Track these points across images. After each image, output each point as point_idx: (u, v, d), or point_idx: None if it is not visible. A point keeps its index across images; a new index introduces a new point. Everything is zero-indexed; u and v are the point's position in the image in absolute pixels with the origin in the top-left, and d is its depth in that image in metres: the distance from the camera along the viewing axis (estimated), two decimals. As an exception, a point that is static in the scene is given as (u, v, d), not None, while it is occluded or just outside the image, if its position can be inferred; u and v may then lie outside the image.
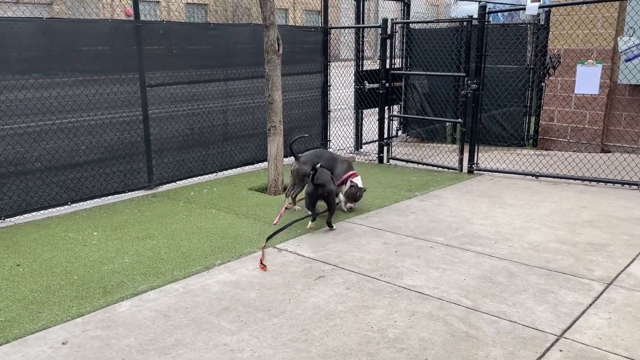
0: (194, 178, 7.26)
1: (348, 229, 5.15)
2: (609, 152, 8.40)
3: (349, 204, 5.72)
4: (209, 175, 7.43)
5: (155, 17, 25.59)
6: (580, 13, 8.26)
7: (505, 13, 17.08)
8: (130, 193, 6.59)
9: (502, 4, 13.91)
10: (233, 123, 7.66)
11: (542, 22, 9.30)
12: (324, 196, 5.10)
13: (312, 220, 5.18)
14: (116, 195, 6.49)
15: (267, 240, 4.81)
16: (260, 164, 7.97)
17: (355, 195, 5.67)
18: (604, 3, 7.86)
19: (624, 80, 7.83)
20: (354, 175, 5.81)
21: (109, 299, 3.78)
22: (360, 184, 5.75)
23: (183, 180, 7.13)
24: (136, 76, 6.48)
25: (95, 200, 6.30)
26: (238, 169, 7.84)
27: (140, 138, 6.61)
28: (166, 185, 6.94)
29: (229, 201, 6.18)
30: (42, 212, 5.88)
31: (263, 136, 7.43)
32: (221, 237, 4.99)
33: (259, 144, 7.91)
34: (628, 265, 4.18)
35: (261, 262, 4.33)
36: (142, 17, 6.54)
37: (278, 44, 6.26)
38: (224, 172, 7.63)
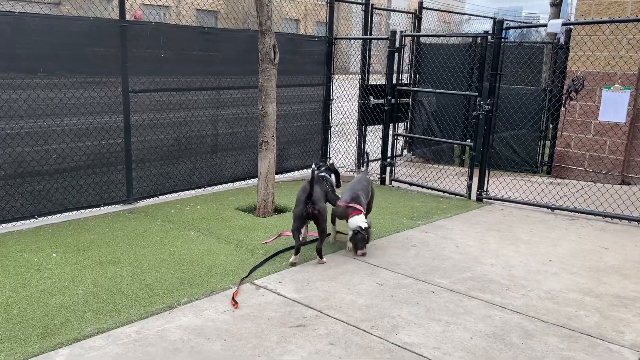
0: (178, 193, 6.67)
1: (339, 264, 4.54)
2: (630, 184, 7.76)
3: (359, 252, 4.73)
4: (196, 190, 6.85)
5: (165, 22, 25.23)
6: (602, 34, 7.67)
7: (517, 32, 16.53)
8: (105, 207, 6.01)
9: (513, 21, 13.38)
10: (224, 134, 7.08)
11: (561, 42, 8.72)
12: (313, 215, 4.44)
13: (296, 254, 4.47)
14: (90, 210, 5.91)
15: (249, 274, 4.20)
16: (252, 179, 7.37)
17: (364, 241, 4.69)
18: (630, 24, 7.29)
19: (650, 108, 7.22)
20: (356, 213, 4.68)
21: (46, 343, 3.17)
22: (364, 223, 4.66)
23: (166, 195, 6.55)
24: (119, 80, 5.93)
25: (66, 214, 5.72)
26: (228, 184, 7.25)
27: (120, 147, 6.05)
28: (147, 200, 6.36)
29: (212, 222, 5.58)
30: (3, 225, 5.30)
31: (257, 150, 6.85)
32: (194, 266, 4.39)
33: (252, 159, 7.33)
34: (665, 328, 3.55)
35: (233, 299, 3.73)
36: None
37: (274, 52, 5.70)
38: (212, 187, 7.05)
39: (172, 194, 6.61)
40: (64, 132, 5.59)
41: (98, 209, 5.95)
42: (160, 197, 6.48)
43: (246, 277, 4.18)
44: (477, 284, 4.20)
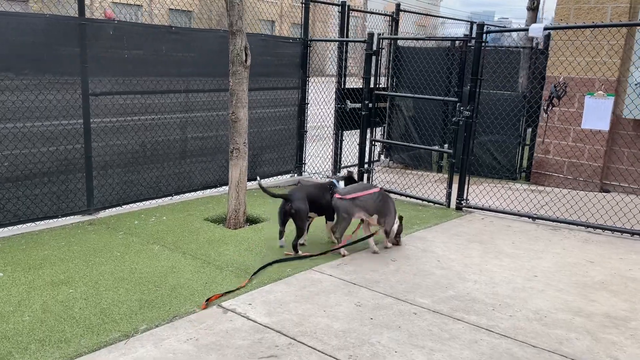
0: (143, 202, 6.27)
1: (315, 282, 4.23)
2: (608, 191, 7.66)
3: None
4: (162, 199, 6.45)
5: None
6: (583, 39, 7.55)
7: (490, 36, 16.55)
8: (63, 219, 5.58)
9: (493, 25, 13.29)
10: (193, 139, 6.71)
11: (540, 47, 8.60)
12: (291, 214, 4.89)
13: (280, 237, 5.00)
14: (46, 221, 5.48)
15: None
16: (224, 187, 7.00)
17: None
18: (610, 29, 7.18)
19: (629, 115, 7.11)
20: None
21: (-21, 384, 2.79)
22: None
23: (130, 205, 6.14)
24: (78, 82, 5.52)
25: (19, 226, 5.28)
26: (197, 192, 6.87)
27: (79, 154, 5.63)
28: (109, 210, 5.95)
29: (178, 235, 5.22)
30: (-54, 240, 4.85)
31: (228, 155, 6.49)
32: (157, 286, 4.03)
33: (223, 165, 6.98)
34: (660, 352, 3.34)
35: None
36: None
37: (246, 54, 5.37)
38: (181, 195, 6.66)
39: (137, 203, 6.20)
40: (17, 138, 5.15)
41: (55, 220, 5.52)
42: (123, 206, 6.08)
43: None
44: (461, 303, 3.94)
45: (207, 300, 3.78)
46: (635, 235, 5.65)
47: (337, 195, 4.86)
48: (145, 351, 3.13)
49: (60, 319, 3.49)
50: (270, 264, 4.51)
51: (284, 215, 4.93)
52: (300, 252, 4.82)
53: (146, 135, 6.19)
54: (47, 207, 5.45)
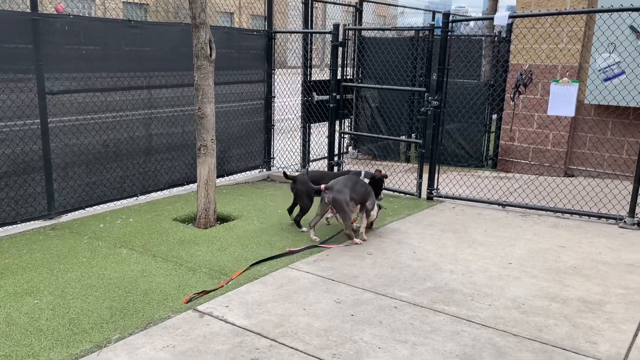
0: (108, 204, 6.04)
1: (292, 280, 4.14)
2: (572, 176, 7.83)
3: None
4: (128, 200, 6.23)
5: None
6: (545, 26, 7.66)
7: (456, 24, 16.73)
8: (22, 225, 5.31)
9: (458, 15, 13.39)
10: (159, 136, 6.49)
11: (503, 35, 8.69)
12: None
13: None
14: (5, 228, 5.21)
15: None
16: (192, 185, 6.83)
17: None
18: (572, 16, 7.30)
19: (592, 100, 7.26)
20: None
21: (-61, 408, 2.60)
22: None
23: (94, 207, 5.90)
24: (32, 80, 5.24)
25: (-25, 234, 5.00)
26: (165, 191, 6.67)
27: (37, 156, 5.36)
28: (71, 213, 5.70)
29: (147, 237, 5.03)
30: None
31: (195, 151, 6.30)
32: (127, 292, 3.87)
33: (191, 162, 6.79)
34: (636, 334, 3.40)
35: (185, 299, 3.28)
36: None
37: (210, 48, 5.20)
38: (147, 195, 6.45)
39: (101, 205, 5.97)
40: (-32, 141, 4.86)
41: (14, 226, 5.25)
42: (87, 209, 5.83)
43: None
44: (440, 294, 3.93)
45: (189, 300, 3.68)
46: (602, 219, 5.78)
47: (328, 191, 4.87)
48: (119, 362, 2.99)
49: (27, 332, 3.30)
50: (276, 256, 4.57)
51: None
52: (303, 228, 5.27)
53: (108, 134, 5.95)
54: (4, 212, 5.17)
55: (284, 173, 5.62)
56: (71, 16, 5.54)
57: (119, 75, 5.95)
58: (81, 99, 5.65)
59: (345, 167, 8.05)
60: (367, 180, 5.38)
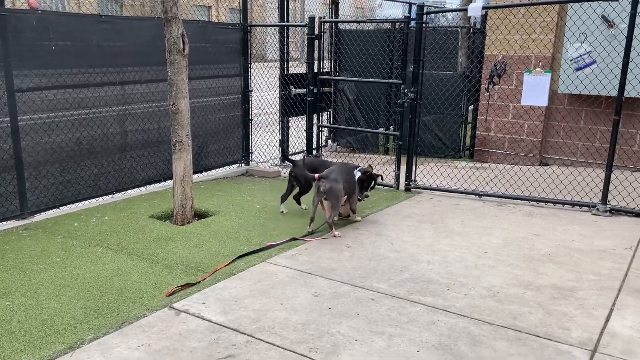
0: (82, 202, 5.95)
1: (270, 275, 4.13)
2: (547, 164, 7.95)
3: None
4: (103, 197, 6.14)
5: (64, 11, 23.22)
6: (518, 17, 7.73)
7: (432, 17, 16.80)
8: (-6, 225, 5.21)
9: (433, 6, 13.41)
10: (133, 132, 6.40)
11: (477, 26, 8.75)
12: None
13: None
14: (-25, 229, 5.10)
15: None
16: (168, 181, 6.74)
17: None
18: (544, 7, 7.37)
19: (565, 90, 7.36)
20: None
21: None
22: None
23: (68, 206, 5.81)
24: (1, 78, 5.12)
25: (-56, 236, 4.89)
26: (141, 188, 6.59)
27: (8, 155, 5.24)
28: (45, 212, 5.60)
29: (122, 235, 4.97)
30: None
31: (171, 149, 6.24)
32: (102, 291, 3.82)
33: (167, 158, 6.71)
34: (607, 319, 3.47)
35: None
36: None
37: (183, 42, 5.14)
38: (123, 193, 6.36)
39: (76, 204, 5.88)
40: None
41: (-15, 227, 5.14)
42: (61, 208, 5.74)
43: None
44: (417, 285, 3.96)
45: (171, 293, 3.69)
46: (575, 206, 5.87)
47: (324, 180, 4.93)
48: (93, 363, 2.95)
49: (-3, 335, 3.24)
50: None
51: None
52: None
53: (81, 131, 5.85)
54: (-25, 214, 5.07)
55: (284, 155, 6.17)
56: (39, 11, 5.42)
57: (90, 71, 5.84)
58: (52, 96, 5.54)
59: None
60: (358, 174, 5.35)
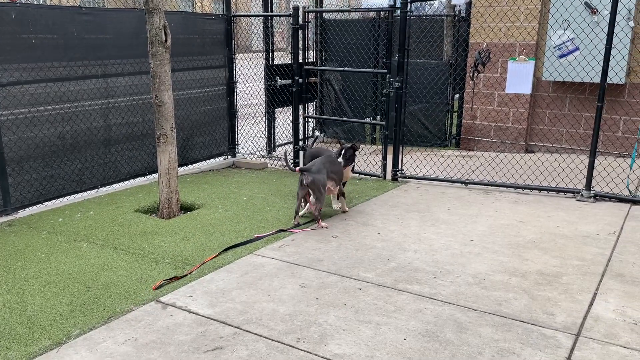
0: (67, 197, 5.89)
1: (257, 267, 4.13)
2: (532, 152, 8.01)
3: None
4: (88, 192, 6.09)
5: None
6: (502, 4, 7.74)
7: (416, 5, 16.80)
8: (-23, 222, 5.14)
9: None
10: (117, 125, 6.34)
11: (462, 14, 8.75)
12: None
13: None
14: (-42, 226, 5.03)
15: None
16: (154, 174, 6.71)
17: None
18: (527, -5, 7.39)
19: (549, 77, 7.40)
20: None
21: None
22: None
23: (52, 201, 5.75)
24: (-21, 72, 5.03)
25: None
26: (126, 182, 6.54)
27: (-11, 151, 5.17)
28: (29, 208, 5.54)
29: (108, 230, 4.94)
30: None
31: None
32: (88, 286, 3.79)
33: (152, 151, 6.66)
34: (591, 304, 3.52)
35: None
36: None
37: (165, 34, 5.08)
38: (107, 187, 6.31)
39: (60, 199, 5.82)
40: None
41: (-32, 224, 5.08)
42: (45, 203, 5.68)
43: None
44: (404, 274, 3.98)
45: (159, 286, 3.71)
46: (560, 193, 5.93)
47: (306, 173, 4.91)
48: (79, 357, 2.93)
49: (-19, 332, 3.21)
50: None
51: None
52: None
53: (64, 125, 5.77)
54: (-43, 211, 5.00)
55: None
56: (18, 4, 5.32)
57: (72, 65, 5.76)
58: (33, 90, 5.46)
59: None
60: (340, 160, 5.36)
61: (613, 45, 5.41)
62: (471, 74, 8.10)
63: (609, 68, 5.48)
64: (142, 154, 6.65)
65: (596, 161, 5.70)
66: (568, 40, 6.85)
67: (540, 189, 6.02)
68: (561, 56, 7.00)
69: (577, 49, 7.01)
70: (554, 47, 7.15)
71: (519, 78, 5.82)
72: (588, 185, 5.73)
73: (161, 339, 3.11)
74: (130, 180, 6.57)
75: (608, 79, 5.52)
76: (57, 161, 5.75)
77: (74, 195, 5.96)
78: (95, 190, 6.17)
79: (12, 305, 3.54)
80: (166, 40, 5.09)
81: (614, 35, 5.38)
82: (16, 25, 5.26)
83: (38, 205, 5.63)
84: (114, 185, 6.37)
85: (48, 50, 5.54)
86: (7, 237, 4.79)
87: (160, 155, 5.31)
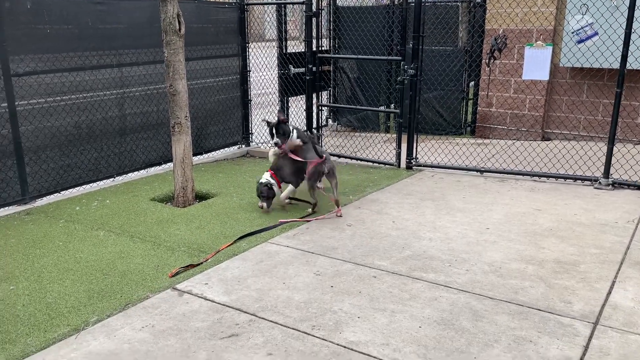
0: (83, 186, 5.95)
1: (272, 254, 4.14)
2: (549, 139, 7.90)
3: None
4: (104, 181, 6.15)
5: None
6: (519, -10, 7.60)
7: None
8: (-3, 210, 5.22)
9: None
10: (133, 115, 6.37)
11: (478, 0, 8.61)
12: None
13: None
14: (-22, 214, 5.11)
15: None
16: (169, 163, 6.74)
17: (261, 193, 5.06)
18: (545, -21, 7.25)
19: (567, 63, 7.27)
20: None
21: None
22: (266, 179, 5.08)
23: (69, 190, 5.82)
24: (-4, 62, 5.08)
25: (-53, 222, 4.90)
26: (141, 171, 6.59)
27: (7, 140, 5.23)
28: (46, 197, 5.61)
29: (124, 218, 4.98)
30: None
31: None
32: (105, 274, 3.84)
33: (167, 140, 6.69)
34: (609, 292, 3.47)
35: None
36: None
37: (179, 22, 5.07)
38: (123, 176, 6.36)
39: (77, 188, 5.88)
40: None
41: (-13, 213, 5.16)
42: (62, 192, 5.74)
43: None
44: (419, 262, 3.97)
45: (175, 274, 3.76)
46: (578, 181, 5.85)
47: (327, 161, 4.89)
48: (98, 344, 2.97)
49: (3, 318, 3.26)
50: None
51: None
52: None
53: (80, 115, 5.82)
54: (-23, 200, 5.08)
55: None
56: (32, -6, 5.34)
57: (87, 54, 5.79)
58: (49, 79, 5.50)
59: (326, 141, 8.02)
60: (295, 135, 5.13)
61: (633, 30, 5.29)
62: (487, 61, 7.99)
63: (629, 53, 5.36)
64: (157, 143, 6.69)
65: (615, 148, 5.61)
66: (587, 25, 6.71)
67: (557, 176, 5.94)
68: (579, 41, 6.87)
69: (596, 34, 6.87)
70: (572, 33, 7.02)
71: (536, 64, 5.72)
72: (606, 173, 5.64)
73: (178, 326, 3.14)
74: (146, 170, 6.62)
75: (628, 65, 5.41)
76: (74, 150, 5.81)
77: (90, 185, 6.02)
78: (111, 179, 6.22)
79: (31, 292, 3.59)
80: (180, 29, 5.08)
81: (634, 19, 5.26)
82: (32, 15, 5.30)
83: (55, 194, 5.69)
84: (129, 174, 6.42)
85: (63, 40, 5.57)
86: (25, 225, 4.85)
87: (175, 144, 5.33)
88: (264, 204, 4.98)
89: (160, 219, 4.94)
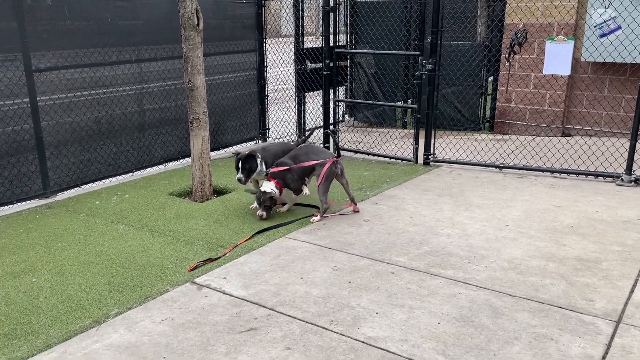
0: (103, 181, 6.02)
1: (289, 250, 4.15)
2: (570, 135, 7.78)
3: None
4: (123, 176, 6.21)
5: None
6: (540, -17, 7.48)
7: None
8: (18, 204, 5.31)
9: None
10: (151, 111, 6.43)
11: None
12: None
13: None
14: (1, 208, 5.20)
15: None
16: (187, 159, 6.79)
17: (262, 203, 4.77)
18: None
19: (589, 58, 7.15)
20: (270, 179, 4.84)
21: (-58, 388, 2.63)
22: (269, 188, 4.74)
23: (89, 184, 5.89)
24: (19, 58, 5.15)
25: (-29, 215, 5.00)
26: (160, 166, 6.65)
27: (29, 135, 5.31)
28: (67, 191, 5.69)
29: (143, 212, 5.03)
30: None
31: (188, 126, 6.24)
32: (125, 267, 3.88)
33: (185, 136, 6.74)
34: (632, 290, 3.41)
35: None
36: None
37: (197, 18, 5.09)
38: (142, 171, 6.43)
39: (96, 182, 5.95)
40: (-42, 123, 4.81)
41: (9, 206, 5.25)
42: (82, 187, 5.82)
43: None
44: (437, 258, 3.94)
45: (194, 268, 3.79)
46: (599, 177, 5.76)
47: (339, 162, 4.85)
48: (119, 336, 3.01)
49: (26, 310, 3.32)
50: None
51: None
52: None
53: (100, 110, 5.88)
54: (0, 193, 5.16)
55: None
56: (53, -9, 5.41)
57: (106, 50, 5.85)
58: (69, 75, 5.57)
59: (342, 137, 7.99)
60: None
61: (658, 23, 5.18)
62: (507, 56, 7.89)
63: (654, 47, 5.25)
64: (175, 138, 6.74)
65: (638, 144, 5.51)
66: (609, 19, 6.58)
67: (578, 173, 5.85)
68: (602, 35, 6.75)
69: (618, 27, 6.74)
70: (595, 27, 6.89)
71: (557, 59, 5.63)
72: (629, 170, 5.54)
73: (197, 319, 3.17)
74: (164, 164, 6.68)
75: (652, 59, 5.30)
76: (94, 145, 5.88)
77: (110, 179, 6.09)
78: (130, 174, 6.29)
79: (53, 285, 3.64)
80: (198, 24, 5.10)
81: (660, 12, 5.15)
82: (52, 12, 5.36)
83: (75, 189, 5.77)
84: (148, 169, 6.48)
85: (83, 37, 5.63)
86: (47, 219, 4.93)
87: (193, 139, 5.36)
88: (264, 213, 4.75)
89: (178, 214, 4.98)
